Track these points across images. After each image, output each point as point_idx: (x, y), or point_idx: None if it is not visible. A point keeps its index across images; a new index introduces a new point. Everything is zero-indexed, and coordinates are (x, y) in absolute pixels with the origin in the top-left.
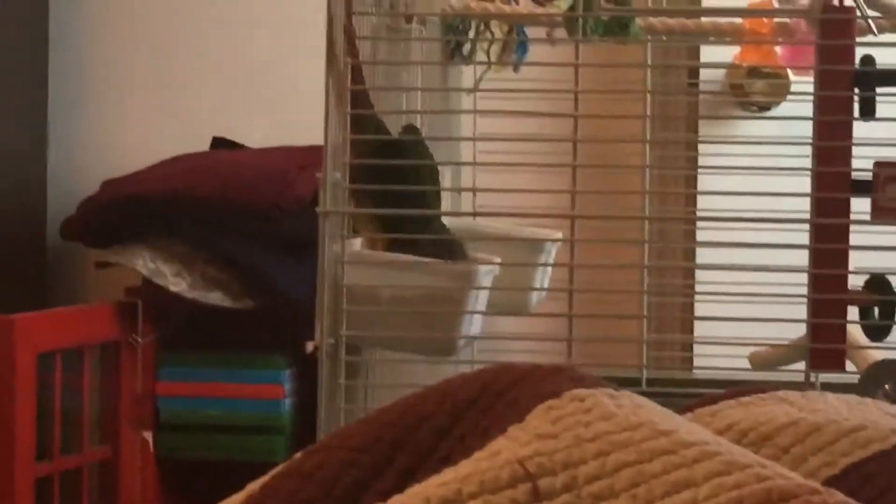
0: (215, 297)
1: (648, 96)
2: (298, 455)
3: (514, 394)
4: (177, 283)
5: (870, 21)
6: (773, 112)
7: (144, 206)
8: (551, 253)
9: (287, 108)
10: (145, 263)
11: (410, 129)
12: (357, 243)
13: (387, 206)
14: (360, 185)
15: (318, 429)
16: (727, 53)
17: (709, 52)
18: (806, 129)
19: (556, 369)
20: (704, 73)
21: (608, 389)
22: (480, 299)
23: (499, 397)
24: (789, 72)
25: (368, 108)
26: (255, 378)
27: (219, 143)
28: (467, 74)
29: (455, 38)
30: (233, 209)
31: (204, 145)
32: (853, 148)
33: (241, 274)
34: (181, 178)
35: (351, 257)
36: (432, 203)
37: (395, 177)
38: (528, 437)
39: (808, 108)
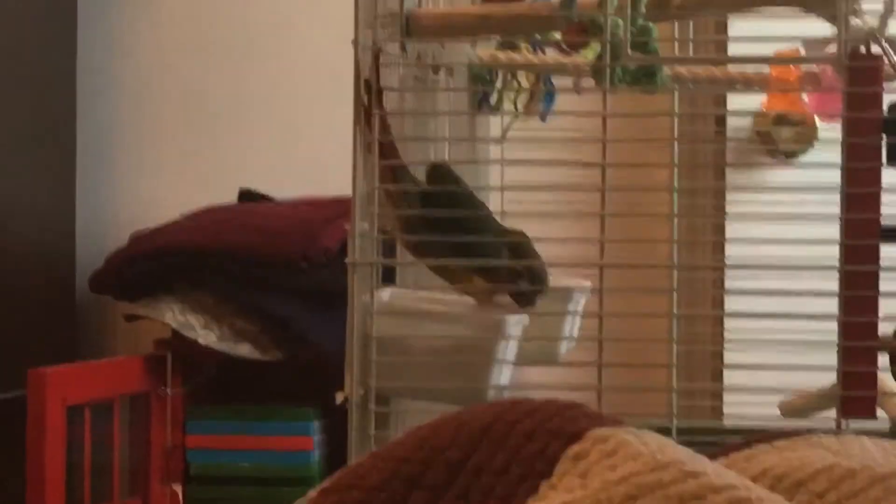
0: (244, 349)
1: (676, 144)
2: (314, 494)
3: (528, 424)
4: (206, 335)
5: None
6: (801, 159)
7: (173, 259)
8: (580, 302)
9: (315, 160)
10: (174, 316)
11: (438, 168)
12: (386, 293)
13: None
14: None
15: None
16: (754, 101)
17: (736, 100)
18: (834, 177)
19: (571, 405)
20: (732, 121)
21: (630, 427)
22: (510, 349)
23: (512, 427)
24: (816, 119)
25: (396, 159)
26: (284, 430)
27: (246, 195)
28: (494, 124)
29: (482, 89)
30: (261, 261)
31: (232, 197)
32: (882, 194)
33: (269, 326)
34: (209, 230)
35: (380, 308)
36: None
37: (442, 224)
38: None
39: (836, 155)
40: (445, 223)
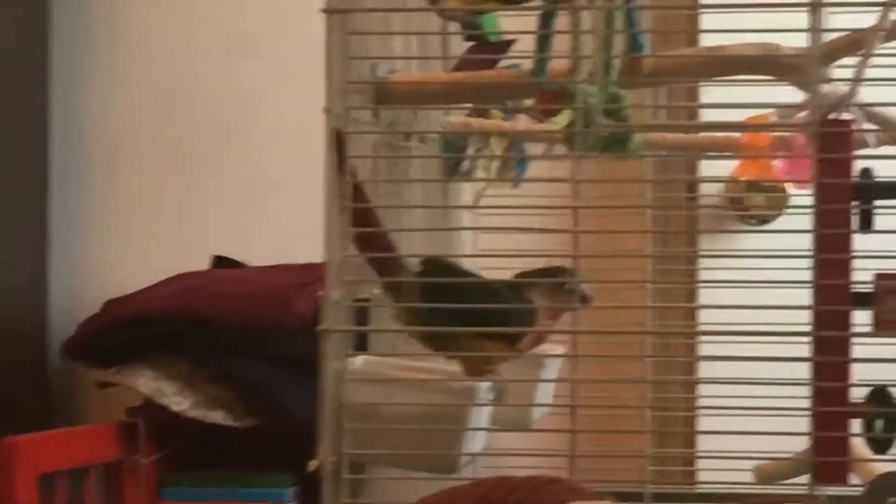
0: (217, 416)
1: (648, 211)
2: None
3: (512, 502)
4: (179, 402)
5: (868, 134)
6: (773, 225)
7: (145, 326)
8: (554, 368)
9: (288, 226)
10: (147, 383)
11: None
12: (359, 360)
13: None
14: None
15: None
16: (726, 167)
17: (708, 167)
18: (805, 242)
19: (552, 480)
20: (703, 188)
21: (608, 501)
22: (483, 415)
23: None
24: (788, 185)
25: (379, 226)
26: (258, 496)
27: (220, 261)
28: (467, 191)
29: (454, 156)
30: (234, 327)
31: (205, 264)
32: (853, 260)
33: (243, 392)
34: (182, 296)
35: (353, 375)
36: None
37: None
38: None
39: (807, 221)
40: (450, 293)
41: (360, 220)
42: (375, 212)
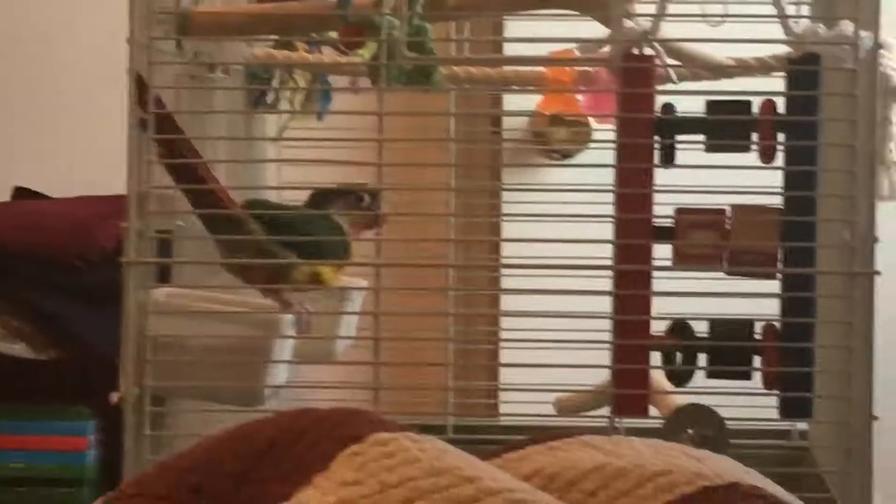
0: (19, 349)
1: (452, 144)
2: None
3: (313, 436)
4: None
5: (670, 69)
6: (576, 160)
7: None
8: (357, 301)
9: (91, 158)
10: None
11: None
12: (162, 293)
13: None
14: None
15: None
16: (530, 102)
17: (511, 101)
18: (608, 177)
19: (355, 412)
20: (507, 122)
21: (410, 433)
22: (286, 348)
23: (298, 438)
24: (591, 120)
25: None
26: (58, 430)
27: (21, 192)
28: (271, 123)
29: (259, 88)
30: (35, 260)
31: (5, 196)
32: (655, 195)
33: (44, 325)
34: None
35: (155, 307)
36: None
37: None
38: (332, 486)
39: (610, 156)
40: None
41: (170, 150)
42: (188, 142)
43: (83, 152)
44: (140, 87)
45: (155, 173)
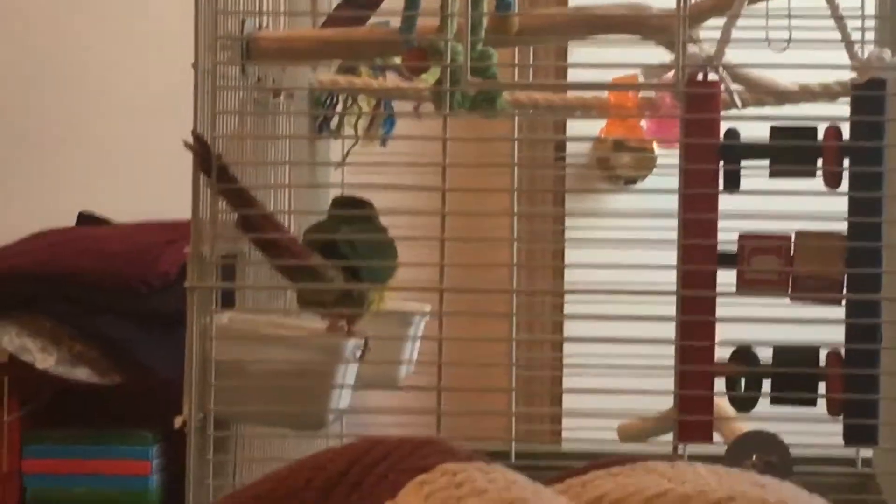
0: (82, 373)
1: (515, 170)
2: None
3: (384, 467)
4: (43, 359)
5: (734, 95)
6: (640, 185)
7: (10, 282)
8: (420, 326)
9: (156, 184)
10: (11, 339)
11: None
12: (225, 317)
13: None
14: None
15: None
16: (593, 127)
17: (575, 126)
18: (672, 202)
19: (426, 441)
20: (571, 147)
21: (480, 463)
22: (349, 373)
23: (369, 470)
24: (655, 145)
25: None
26: (122, 454)
27: (85, 218)
28: (335, 149)
29: (323, 113)
30: (99, 284)
31: (70, 221)
32: (719, 220)
33: (107, 349)
34: (47, 253)
35: (218, 331)
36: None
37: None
38: None
39: (673, 182)
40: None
41: (233, 202)
42: (246, 192)
43: (147, 178)
44: (201, 146)
45: (218, 199)
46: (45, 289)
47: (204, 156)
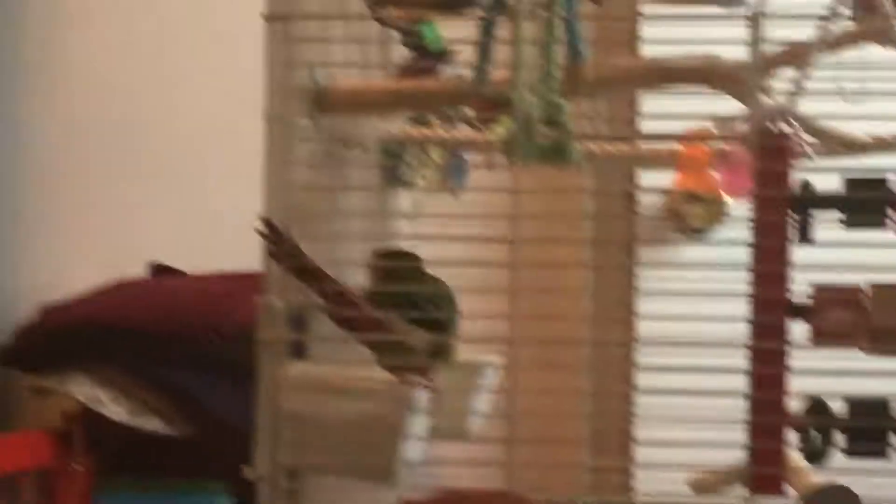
0: (154, 424)
1: (587, 220)
2: None
3: None
4: (114, 409)
5: (806, 146)
6: (711, 236)
7: (82, 333)
8: (490, 377)
9: (227, 235)
10: (83, 390)
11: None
12: (296, 368)
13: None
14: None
15: None
16: (665, 178)
17: (647, 177)
18: (743, 254)
19: (500, 494)
20: (642, 198)
21: None
22: (420, 424)
23: None
24: (726, 196)
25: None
26: None
27: (157, 269)
28: (406, 199)
29: (394, 163)
30: (171, 335)
31: (142, 272)
32: (791, 272)
33: (178, 400)
34: (119, 304)
35: (289, 382)
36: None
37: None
38: None
39: (745, 233)
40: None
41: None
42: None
43: (219, 229)
44: (271, 231)
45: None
46: (116, 339)
47: (275, 240)
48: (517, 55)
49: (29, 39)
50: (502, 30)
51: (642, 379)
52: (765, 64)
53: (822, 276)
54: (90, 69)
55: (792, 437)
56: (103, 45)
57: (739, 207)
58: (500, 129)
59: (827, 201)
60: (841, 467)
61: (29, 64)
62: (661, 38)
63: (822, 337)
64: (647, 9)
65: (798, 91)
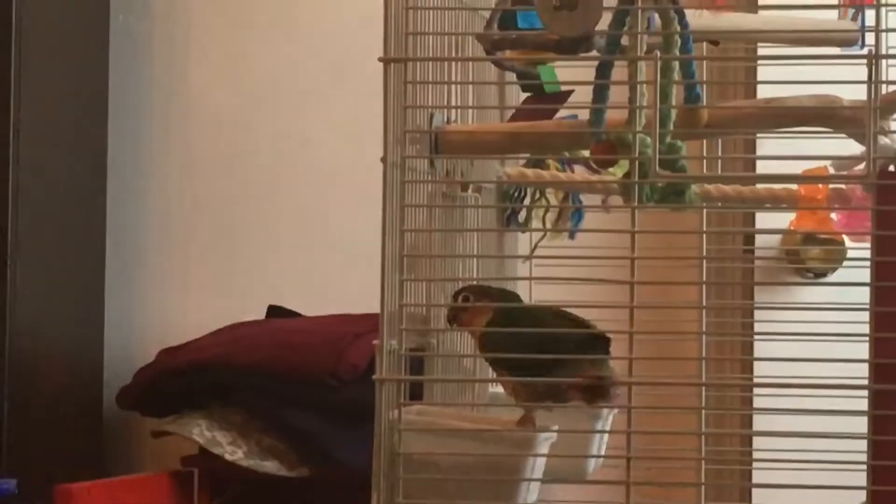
0: (271, 466)
1: (704, 262)
2: None
3: None
4: (233, 451)
5: None
6: (830, 278)
7: (200, 375)
8: (608, 419)
9: (343, 276)
10: (201, 432)
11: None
12: (414, 410)
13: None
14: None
15: None
16: (783, 219)
17: (764, 219)
18: (863, 295)
19: None
20: (760, 240)
21: None
22: (538, 466)
23: None
24: (845, 238)
25: None
26: None
27: (275, 311)
28: (523, 241)
29: (511, 206)
30: (288, 377)
31: (260, 314)
32: None
33: (296, 442)
34: (237, 346)
35: (407, 425)
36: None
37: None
38: None
39: (864, 274)
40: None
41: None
42: None
43: (336, 271)
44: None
45: (407, 291)
46: (234, 381)
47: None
48: (634, 97)
49: (152, 81)
50: (619, 71)
51: (761, 422)
52: (883, 104)
53: None
54: (209, 111)
55: None
56: (223, 85)
57: (858, 248)
58: (617, 172)
59: None
60: None
61: (149, 109)
62: (778, 79)
63: None
64: (764, 50)
65: None
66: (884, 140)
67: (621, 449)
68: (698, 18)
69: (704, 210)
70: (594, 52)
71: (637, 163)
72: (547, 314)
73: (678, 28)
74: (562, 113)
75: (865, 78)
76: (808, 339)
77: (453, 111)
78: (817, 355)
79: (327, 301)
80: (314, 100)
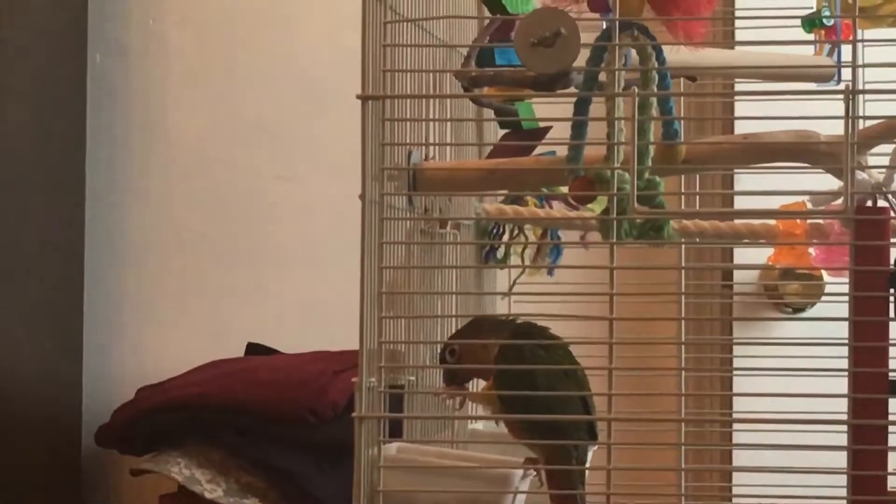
0: None
1: (683, 298)
2: None
3: None
4: (212, 489)
5: None
6: (808, 313)
7: (179, 413)
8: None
9: (322, 313)
10: (180, 470)
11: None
12: (394, 447)
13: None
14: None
15: None
16: (761, 255)
17: (743, 254)
18: (841, 330)
19: None
20: (738, 275)
21: None
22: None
23: None
24: (823, 273)
25: None
26: None
27: (254, 348)
28: (502, 278)
29: (489, 242)
30: (267, 415)
31: (239, 351)
32: (890, 348)
33: (276, 480)
34: (215, 384)
35: (387, 462)
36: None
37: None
38: None
39: (843, 309)
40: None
41: None
42: None
43: (315, 308)
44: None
45: (386, 328)
46: (213, 419)
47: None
48: (612, 133)
49: (129, 119)
50: (597, 107)
51: (740, 457)
52: (860, 139)
53: None
54: (188, 148)
55: None
56: (202, 123)
57: (836, 283)
58: (596, 208)
59: None
60: None
61: (125, 145)
62: (755, 114)
63: None
64: (741, 86)
65: (895, 166)
66: (861, 175)
67: (601, 485)
68: (676, 54)
69: (683, 246)
70: (572, 89)
71: (615, 199)
72: (560, 352)
73: (656, 64)
74: (540, 149)
75: (842, 113)
76: (788, 375)
77: (431, 148)
78: (796, 390)
79: (306, 338)
80: (293, 137)
